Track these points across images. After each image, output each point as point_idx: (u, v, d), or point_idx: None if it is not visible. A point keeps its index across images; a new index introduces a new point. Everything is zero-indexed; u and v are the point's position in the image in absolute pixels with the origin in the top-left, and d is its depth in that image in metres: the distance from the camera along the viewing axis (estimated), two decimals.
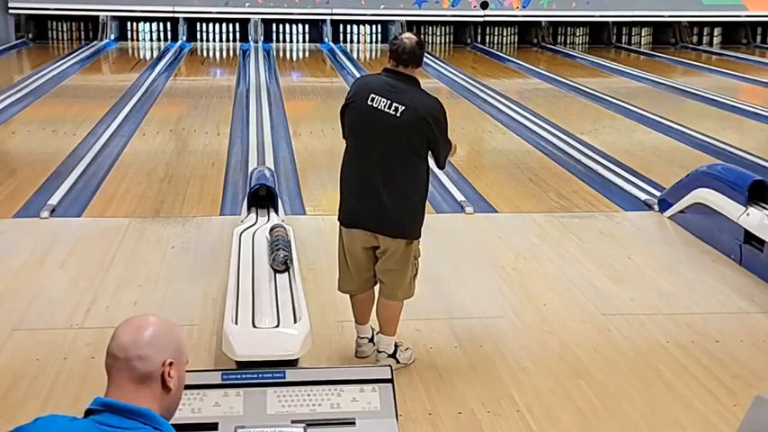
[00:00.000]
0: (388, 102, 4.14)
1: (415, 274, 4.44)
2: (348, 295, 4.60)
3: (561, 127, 10.52)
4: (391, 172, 4.20)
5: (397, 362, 4.44)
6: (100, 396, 2.14)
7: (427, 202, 4.42)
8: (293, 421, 3.38)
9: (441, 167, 4.49)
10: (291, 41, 19.15)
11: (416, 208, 4.32)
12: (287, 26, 19.12)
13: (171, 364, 2.14)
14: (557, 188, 7.98)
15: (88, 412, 2.12)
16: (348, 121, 4.31)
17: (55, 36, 18.63)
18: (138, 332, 2.13)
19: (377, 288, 4.51)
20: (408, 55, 4.17)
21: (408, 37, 4.22)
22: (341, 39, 19.09)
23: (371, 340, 4.64)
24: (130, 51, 18.07)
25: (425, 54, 4.30)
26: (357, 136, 4.29)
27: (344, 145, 4.40)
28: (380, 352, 4.48)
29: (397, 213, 4.23)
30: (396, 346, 4.51)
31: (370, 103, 4.17)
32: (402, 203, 4.24)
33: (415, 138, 4.16)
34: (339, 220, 4.46)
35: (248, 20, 18.67)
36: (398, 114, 4.13)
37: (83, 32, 18.64)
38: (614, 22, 19.83)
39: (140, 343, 2.12)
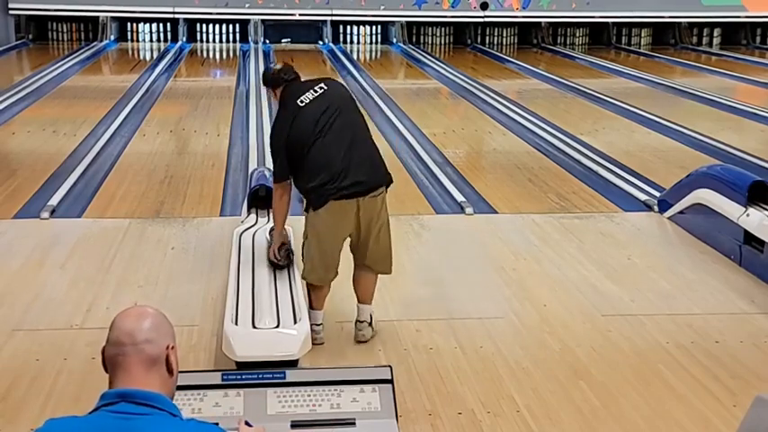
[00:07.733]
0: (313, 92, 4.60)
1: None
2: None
3: (561, 128, 10.51)
4: None
5: (372, 328, 4.82)
6: (106, 390, 2.19)
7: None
8: (293, 421, 3.39)
9: None
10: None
11: None
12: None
13: (173, 348, 2.25)
14: (556, 189, 7.97)
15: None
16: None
17: (55, 37, 18.63)
18: (140, 319, 2.24)
19: None
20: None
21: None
22: (341, 39, 19.09)
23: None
24: (130, 52, 18.06)
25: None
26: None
27: None
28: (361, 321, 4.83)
29: None
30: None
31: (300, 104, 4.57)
32: None
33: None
34: None
35: (248, 21, 18.68)
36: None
37: (83, 33, 18.63)
38: (614, 23, 19.83)
39: (146, 328, 2.22)
